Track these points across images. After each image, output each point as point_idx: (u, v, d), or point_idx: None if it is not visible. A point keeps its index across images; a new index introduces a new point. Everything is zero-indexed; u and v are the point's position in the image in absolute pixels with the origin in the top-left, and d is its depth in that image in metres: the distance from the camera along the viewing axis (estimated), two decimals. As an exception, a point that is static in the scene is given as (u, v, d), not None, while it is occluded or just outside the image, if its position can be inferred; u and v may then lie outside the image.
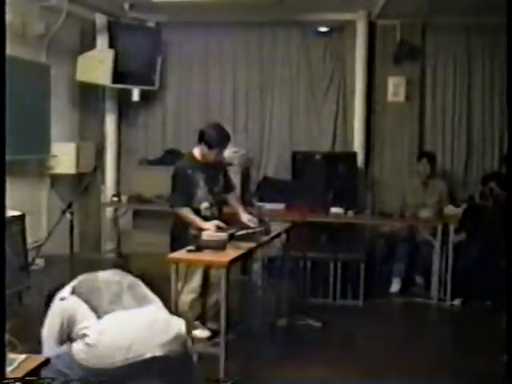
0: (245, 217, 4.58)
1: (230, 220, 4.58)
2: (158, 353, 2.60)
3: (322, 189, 6.26)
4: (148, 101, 7.41)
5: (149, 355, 2.57)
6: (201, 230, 4.20)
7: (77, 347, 2.60)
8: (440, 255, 5.88)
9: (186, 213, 4.41)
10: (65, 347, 2.67)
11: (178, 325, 2.75)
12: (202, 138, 4.50)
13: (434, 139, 7.03)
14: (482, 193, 5.73)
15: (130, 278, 2.91)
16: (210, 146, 4.47)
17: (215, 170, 4.66)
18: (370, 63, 6.93)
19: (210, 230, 4.15)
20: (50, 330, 2.73)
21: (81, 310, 2.68)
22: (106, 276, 2.91)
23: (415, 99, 6.96)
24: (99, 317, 2.65)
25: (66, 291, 2.81)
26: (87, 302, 2.70)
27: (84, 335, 2.59)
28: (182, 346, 2.71)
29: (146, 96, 7.29)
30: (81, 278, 2.88)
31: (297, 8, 6.65)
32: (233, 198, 4.76)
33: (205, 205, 4.54)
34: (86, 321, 2.64)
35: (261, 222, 4.52)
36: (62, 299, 2.79)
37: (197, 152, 4.59)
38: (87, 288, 2.78)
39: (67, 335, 2.70)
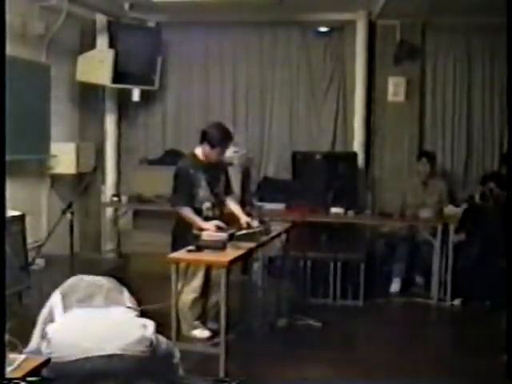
0: (244, 219, 4.59)
1: (231, 220, 4.58)
2: (117, 352, 2.57)
3: (322, 189, 6.26)
4: (148, 101, 7.41)
5: (104, 353, 2.54)
6: (201, 229, 4.21)
7: (43, 344, 2.60)
8: (440, 255, 5.88)
9: (187, 212, 4.41)
10: (35, 345, 2.66)
11: (145, 328, 2.73)
12: (204, 138, 4.50)
13: (434, 139, 7.03)
14: (482, 193, 5.73)
15: (116, 285, 2.89)
16: (212, 146, 4.48)
17: (217, 171, 4.67)
18: (370, 63, 6.93)
19: (210, 230, 4.15)
20: (37, 326, 2.75)
21: (57, 305, 2.71)
22: (95, 279, 2.91)
23: (415, 99, 6.96)
24: (65, 311, 2.67)
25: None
26: (63, 298, 2.72)
27: (49, 331, 2.60)
28: (146, 348, 2.67)
29: (146, 96, 7.29)
30: (76, 277, 2.90)
31: (297, 8, 6.65)
32: (231, 201, 4.76)
33: (207, 205, 4.54)
34: (56, 317, 2.66)
35: (261, 222, 4.52)
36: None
37: (199, 152, 4.59)
38: (70, 286, 2.81)
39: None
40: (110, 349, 2.56)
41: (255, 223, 4.52)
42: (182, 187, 4.47)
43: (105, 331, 2.62)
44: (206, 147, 4.50)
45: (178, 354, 2.89)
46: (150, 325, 2.74)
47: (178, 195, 4.49)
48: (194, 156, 4.60)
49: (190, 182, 4.48)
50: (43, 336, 2.66)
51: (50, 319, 2.69)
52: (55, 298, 2.75)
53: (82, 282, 2.84)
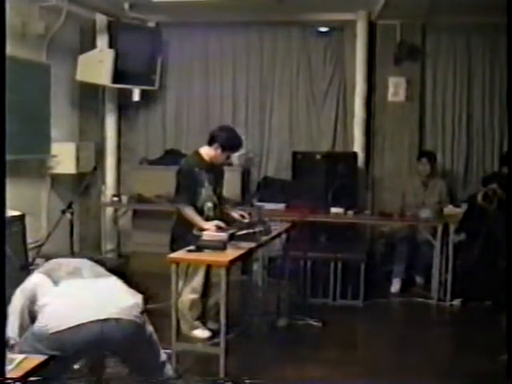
0: (235, 213, 4.65)
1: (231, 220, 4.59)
2: (114, 316, 2.61)
3: (322, 189, 6.26)
4: (148, 101, 7.41)
5: (103, 316, 2.58)
6: (202, 230, 4.21)
7: (37, 322, 2.59)
8: (440, 255, 5.88)
9: (189, 212, 4.41)
10: (27, 333, 2.63)
11: (135, 295, 2.77)
12: (215, 140, 4.51)
13: (434, 139, 7.03)
14: (484, 194, 5.70)
15: (94, 264, 2.95)
16: (223, 149, 4.50)
17: (218, 171, 4.70)
18: (370, 63, 6.93)
19: (210, 230, 4.16)
20: (14, 311, 2.69)
21: (43, 283, 2.72)
22: (74, 259, 3.06)
23: (415, 99, 6.96)
24: (56, 284, 2.70)
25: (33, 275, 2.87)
26: (48, 276, 2.74)
27: (42, 306, 2.60)
28: (139, 314, 2.71)
29: (146, 96, 7.29)
30: (53, 260, 2.96)
31: (297, 8, 6.65)
32: (222, 201, 4.80)
33: (208, 205, 4.55)
34: (46, 292, 2.66)
35: (261, 222, 4.52)
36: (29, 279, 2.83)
37: (203, 151, 4.60)
38: (51, 265, 2.86)
39: (30, 317, 2.69)
40: (105, 314, 2.58)
41: (246, 214, 4.64)
42: (187, 186, 4.48)
43: (99, 298, 2.65)
44: (217, 149, 4.51)
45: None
46: (139, 296, 2.77)
47: (182, 194, 4.48)
48: (199, 155, 4.60)
49: (194, 181, 4.49)
50: (31, 314, 2.65)
51: (32, 301, 2.68)
52: (36, 279, 2.75)
53: (61, 262, 2.90)
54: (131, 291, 2.81)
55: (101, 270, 2.91)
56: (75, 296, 2.64)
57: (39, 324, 2.54)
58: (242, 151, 6.80)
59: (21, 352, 2.41)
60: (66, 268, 2.80)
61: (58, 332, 2.50)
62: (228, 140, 4.51)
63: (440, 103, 7.01)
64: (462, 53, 6.93)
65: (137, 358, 2.79)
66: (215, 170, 4.63)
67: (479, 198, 5.62)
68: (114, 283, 2.82)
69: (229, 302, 3.71)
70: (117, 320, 2.61)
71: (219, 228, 4.23)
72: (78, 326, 2.52)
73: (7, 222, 4.11)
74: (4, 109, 1.68)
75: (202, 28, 7.21)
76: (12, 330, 2.64)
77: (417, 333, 5.11)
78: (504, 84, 6.58)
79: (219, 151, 4.51)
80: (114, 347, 2.70)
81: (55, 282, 2.70)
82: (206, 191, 4.53)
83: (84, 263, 2.91)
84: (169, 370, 2.95)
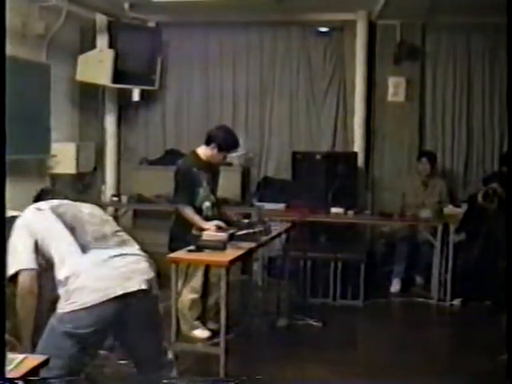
0: (229, 213, 4.76)
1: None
2: (144, 286, 2.60)
3: (322, 189, 6.26)
4: (148, 101, 7.40)
5: (134, 289, 2.56)
6: (201, 230, 4.21)
7: (60, 304, 2.53)
8: (440, 255, 5.88)
9: (189, 212, 4.42)
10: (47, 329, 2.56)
11: (154, 266, 2.78)
12: (212, 139, 4.51)
13: (434, 139, 7.02)
14: (485, 193, 5.71)
15: (107, 215, 2.95)
16: (220, 149, 4.51)
17: (215, 171, 4.70)
18: (370, 63, 6.93)
19: (210, 230, 4.16)
20: (24, 242, 2.63)
21: (61, 233, 2.64)
22: (89, 207, 2.90)
23: (415, 99, 6.95)
24: (84, 251, 2.62)
25: (43, 205, 2.78)
26: (71, 230, 2.66)
27: (71, 276, 2.53)
28: (156, 288, 2.73)
29: (146, 96, 7.29)
30: (60, 202, 2.85)
31: (297, 8, 6.65)
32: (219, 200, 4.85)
33: (206, 204, 4.55)
34: (73, 258, 2.59)
35: (261, 221, 4.52)
36: (39, 209, 2.76)
37: (200, 151, 4.60)
38: (72, 215, 2.75)
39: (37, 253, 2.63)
40: (133, 286, 2.56)
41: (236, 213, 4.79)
42: (185, 186, 4.48)
43: (126, 268, 2.62)
44: (214, 149, 4.51)
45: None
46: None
47: (181, 194, 4.49)
48: (196, 155, 4.61)
49: (192, 181, 4.49)
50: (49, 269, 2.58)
51: (46, 241, 2.61)
52: (52, 221, 2.67)
53: (79, 212, 2.80)
54: (148, 259, 2.78)
55: (121, 233, 2.85)
56: (106, 266, 2.59)
57: (64, 302, 2.50)
58: (241, 152, 6.84)
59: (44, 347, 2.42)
60: (93, 233, 2.70)
61: (89, 307, 2.47)
62: (225, 140, 4.52)
63: (440, 103, 7.01)
64: (461, 53, 6.92)
65: (144, 337, 2.72)
66: (213, 170, 4.64)
67: (479, 197, 5.61)
68: (138, 251, 2.79)
69: (229, 302, 3.71)
70: (145, 291, 2.60)
71: (219, 228, 4.23)
72: (109, 300, 2.50)
73: (7, 221, 4.11)
74: (4, 109, 1.68)
75: (201, 28, 7.21)
76: (26, 256, 2.58)
77: (417, 333, 5.11)
78: (504, 84, 6.57)
79: (216, 151, 4.51)
80: (134, 320, 2.64)
81: (83, 249, 2.62)
82: (203, 191, 4.53)
83: (104, 221, 2.82)
84: (170, 355, 2.93)
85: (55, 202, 2.85)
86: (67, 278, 2.54)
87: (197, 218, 4.39)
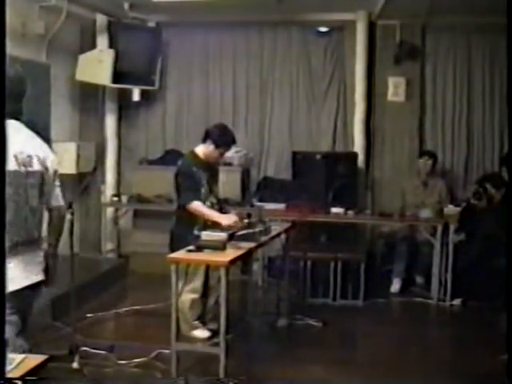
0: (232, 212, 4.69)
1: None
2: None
3: (321, 189, 6.27)
4: (148, 101, 7.41)
5: None
6: (216, 224, 4.22)
7: None
8: (440, 255, 5.88)
9: (200, 207, 4.39)
10: None
11: None
12: (209, 137, 4.53)
13: (434, 139, 7.03)
14: (475, 192, 5.73)
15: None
16: (216, 146, 4.51)
17: (214, 170, 4.70)
18: (370, 63, 6.93)
19: (230, 224, 4.17)
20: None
21: None
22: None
23: (415, 99, 6.96)
24: None
25: None
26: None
27: None
28: None
29: (146, 96, 7.29)
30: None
31: (297, 8, 6.65)
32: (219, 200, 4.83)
33: (207, 204, 4.55)
34: None
35: (261, 221, 4.52)
36: None
37: (199, 150, 4.61)
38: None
39: None
40: None
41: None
42: (190, 185, 4.47)
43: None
44: (210, 146, 4.52)
45: None
46: None
47: (188, 193, 4.47)
48: (195, 155, 4.61)
49: (193, 180, 4.49)
50: None
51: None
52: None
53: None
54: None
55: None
56: None
57: None
58: (241, 152, 6.85)
59: None
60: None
61: None
62: (221, 136, 4.52)
63: (440, 103, 7.01)
64: (461, 53, 6.93)
65: None
66: (211, 169, 4.64)
67: (469, 195, 5.66)
68: None
69: (229, 302, 3.71)
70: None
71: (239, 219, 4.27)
72: None
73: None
74: (4, 109, 1.68)
75: (202, 28, 7.21)
76: None
77: (417, 333, 5.11)
78: (504, 84, 6.58)
79: (212, 148, 4.52)
80: None
81: None
82: (204, 190, 4.54)
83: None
84: None
85: None
86: None
87: (212, 212, 4.39)
